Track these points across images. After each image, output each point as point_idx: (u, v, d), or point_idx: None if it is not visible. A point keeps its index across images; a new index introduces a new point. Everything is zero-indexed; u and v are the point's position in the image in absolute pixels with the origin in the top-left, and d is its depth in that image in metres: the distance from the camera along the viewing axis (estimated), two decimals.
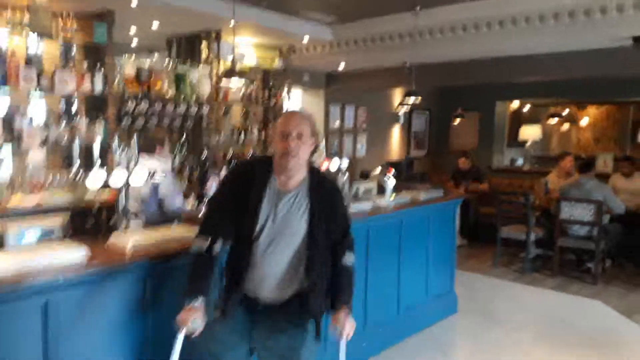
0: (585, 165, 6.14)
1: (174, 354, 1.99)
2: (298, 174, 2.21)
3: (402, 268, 4.18)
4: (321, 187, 2.25)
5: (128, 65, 4.96)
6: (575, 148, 10.14)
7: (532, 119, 10.28)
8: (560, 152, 7.55)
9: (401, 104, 7.68)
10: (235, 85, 4.97)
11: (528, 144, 9.47)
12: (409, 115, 9.52)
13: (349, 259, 2.29)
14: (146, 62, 5.04)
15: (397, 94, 9.25)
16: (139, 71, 4.99)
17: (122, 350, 2.35)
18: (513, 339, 4.28)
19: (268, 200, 2.17)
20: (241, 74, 4.34)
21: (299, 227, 2.18)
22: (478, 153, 9.02)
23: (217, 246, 2.15)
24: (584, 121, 10.63)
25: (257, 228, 2.15)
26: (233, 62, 4.43)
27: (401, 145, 9.65)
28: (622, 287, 5.70)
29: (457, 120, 9.37)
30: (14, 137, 4.20)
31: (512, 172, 8.78)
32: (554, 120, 9.88)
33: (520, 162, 9.48)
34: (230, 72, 4.42)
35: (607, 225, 6.04)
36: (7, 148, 4.28)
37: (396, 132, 9.52)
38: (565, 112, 10.35)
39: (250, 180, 2.19)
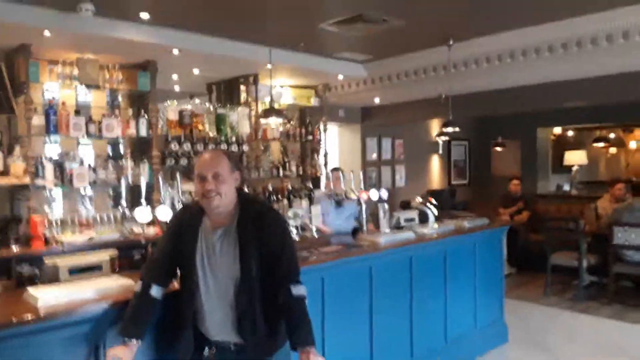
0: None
1: None
2: (226, 212, 2.15)
3: (449, 297, 4.09)
4: (256, 219, 2.14)
5: (171, 110, 5.18)
6: (625, 172, 9.78)
7: (576, 144, 10.03)
8: (611, 178, 7.28)
9: (439, 134, 7.70)
10: (274, 123, 5.09)
11: (574, 169, 9.21)
12: (447, 144, 9.45)
13: (297, 290, 2.09)
14: (188, 106, 5.25)
15: (435, 124, 9.23)
16: (181, 114, 5.20)
17: None
18: None
19: (201, 241, 2.15)
20: (278, 112, 4.46)
21: (230, 265, 2.10)
22: (522, 180, 8.81)
23: (154, 290, 2.16)
24: (633, 144, 10.27)
25: (196, 268, 2.13)
26: (271, 102, 4.56)
27: (441, 174, 9.56)
28: None
29: (498, 149, 9.23)
30: (64, 179, 4.41)
31: (560, 198, 8.50)
32: (599, 145, 9.61)
33: (566, 187, 9.21)
34: (268, 112, 4.54)
35: None
36: (59, 190, 4.51)
37: (435, 162, 9.46)
38: (611, 136, 10.05)
39: (184, 226, 2.20)
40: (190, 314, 2.15)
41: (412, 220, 4.42)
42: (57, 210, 4.53)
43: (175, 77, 5.79)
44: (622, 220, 5.73)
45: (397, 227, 4.23)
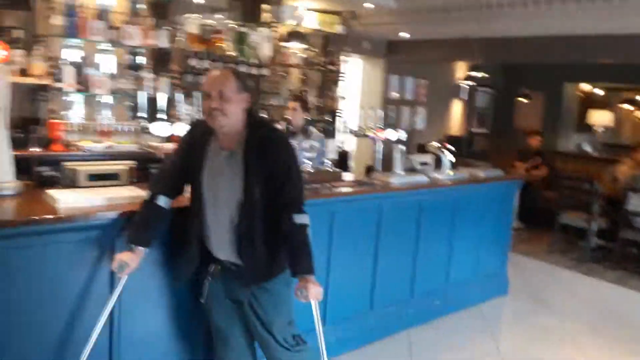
0: None
1: (114, 292, 2.12)
2: (233, 133, 2.12)
3: (454, 243, 4.10)
4: (262, 144, 2.10)
5: (192, 23, 5.00)
6: None
7: (602, 103, 9.71)
8: (636, 142, 7.08)
9: (466, 78, 7.47)
10: (297, 47, 4.91)
11: (600, 130, 8.97)
12: (471, 90, 9.20)
13: (299, 219, 2.09)
14: (209, 21, 5.07)
15: (460, 68, 8.95)
16: (202, 29, 5.03)
17: None
18: (563, 328, 4.13)
19: (208, 160, 2.15)
20: (302, 37, 4.28)
21: (234, 188, 2.10)
22: (542, 136, 8.63)
23: (161, 200, 2.17)
24: None
25: (203, 186, 2.14)
26: (297, 25, 4.36)
27: (462, 121, 9.37)
28: None
29: (523, 100, 8.98)
30: (84, 85, 4.35)
31: (579, 158, 8.35)
32: (627, 107, 9.29)
33: (587, 148, 9.02)
34: (292, 35, 4.37)
35: None
36: (79, 96, 4.46)
37: (457, 107, 9.24)
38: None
39: (195, 142, 2.19)
40: (196, 229, 2.19)
41: (426, 164, 4.35)
42: (76, 115, 4.49)
43: None
44: (638, 186, 5.64)
45: (411, 169, 4.18)
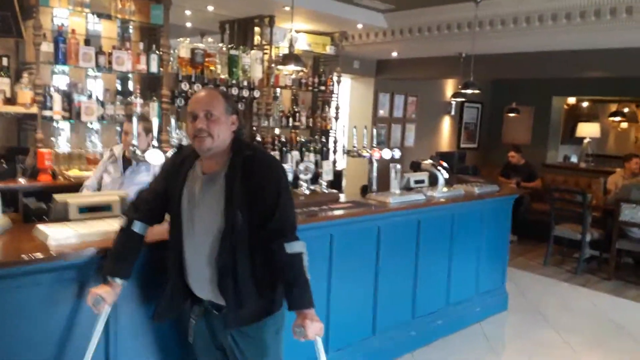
0: None
1: (96, 327, 2.01)
2: (218, 157, 1.98)
3: (453, 261, 4.08)
4: (247, 165, 1.94)
5: (183, 47, 4.98)
6: (634, 148, 9.63)
7: (590, 115, 9.83)
8: (626, 153, 7.15)
9: (456, 95, 7.50)
10: (292, 70, 4.89)
11: (586, 141, 9.07)
12: (460, 106, 9.26)
13: (291, 248, 1.90)
14: (201, 45, 5.05)
15: (449, 84, 9.01)
16: (193, 53, 5.01)
17: None
18: (563, 340, 4.11)
19: (187, 186, 2.01)
20: (297, 59, 4.26)
21: (213, 214, 1.92)
22: (531, 148, 8.70)
23: (137, 226, 2.05)
24: None
25: (181, 214, 2.00)
26: (290, 47, 4.35)
27: (451, 136, 9.40)
28: None
29: (511, 115, 9.06)
30: (72, 112, 4.29)
31: (568, 169, 8.43)
32: (615, 119, 9.43)
33: (574, 159, 9.11)
34: (287, 58, 4.35)
35: None
36: (66, 123, 4.40)
37: (446, 123, 9.28)
38: (625, 110, 9.85)
39: (176, 167, 2.08)
40: (175, 264, 2.03)
41: (422, 182, 4.33)
42: (64, 143, 4.42)
43: (188, 12, 5.55)
44: (630, 197, 5.67)
45: (407, 188, 4.16)
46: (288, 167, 3.32)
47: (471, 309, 4.27)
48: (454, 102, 8.78)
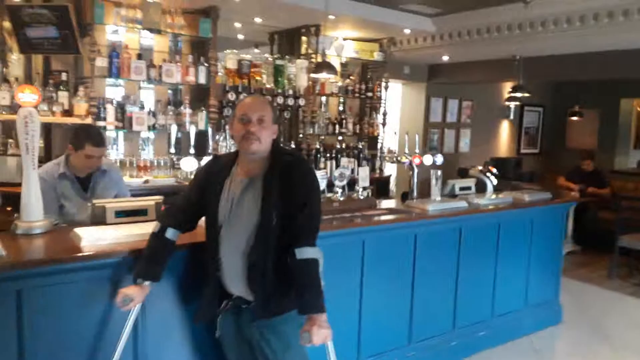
0: None
1: (127, 325, 2.10)
2: (259, 160, 2.10)
3: (499, 271, 3.91)
4: (284, 170, 2.06)
5: (229, 59, 5.14)
6: None
7: None
8: None
9: (508, 99, 7.24)
10: (325, 78, 4.92)
11: None
12: (520, 110, 8.92)
13: (301, 253, 1.97)
14: (247, 56, 5.19)
15: (506, 87, 8.72)
16: (239, 64, 5.15)
17: None
18: (622, 356, 3.83)
19: (227, 190, 2.11)
20: (330, 67, 4.28)
21: (251, 212, 2.04)
22: (598, 154, 8.22)
23: (169, 233, 2.15)
24: None
25: (218, 219, 2.10)
26: (323, 56, 4.40)
27: (510, 142, 9.09)
28: None
29: (574, 118, 8.62)
30: (125, 122, 4.53)
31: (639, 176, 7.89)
32: None
33: None
34: (320, 66, 4.39)
35: None
36: (120, 133, 4.65)
37: (505, 128, 8.98)
38: None
39: (212, 177, 2.18)
40: (212, 264, 2.13)
41: (468, 189, 4.20)
42: (117, 152, 4.68)
43: (237, 25, 5.72)
44: None
45: (452, 195, 4.05)
46: (321, 174, 3.31)
47: (519, 321, 4.08)
48: (512, 106, 8.47)
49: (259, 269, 2.03)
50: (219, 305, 2.17)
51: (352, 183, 3.72)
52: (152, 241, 2.16)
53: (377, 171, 6.00)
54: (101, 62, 4.37)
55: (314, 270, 1.99)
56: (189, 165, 2.85)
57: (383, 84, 6.21)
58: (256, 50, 5.55)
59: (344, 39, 6.02)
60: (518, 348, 3.92)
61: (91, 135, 2.96)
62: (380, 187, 5.47)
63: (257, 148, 2.06)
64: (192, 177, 2.50)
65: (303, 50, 5.72)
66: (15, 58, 4.35)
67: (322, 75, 4.49)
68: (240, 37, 6.34)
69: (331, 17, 4.90)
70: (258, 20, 5.45)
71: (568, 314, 4.48)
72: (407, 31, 5.98)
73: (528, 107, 8.97)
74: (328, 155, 5.61)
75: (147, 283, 2.10)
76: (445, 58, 7.04)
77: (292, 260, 1.98)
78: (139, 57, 4.61)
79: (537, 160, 9.29)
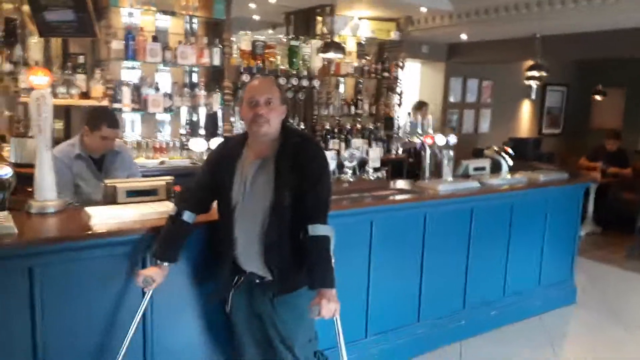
0: None
1: (142, 305, 2.19)
2: (270, 141, 2.14)
3: (512, 251, 3.90)
4: (295, 151, 2.11)
5: (244, 40, 5.16)
6: None
7: None
8: None
9: (528, 78, 7.09)
10: (333, 57, 4.89)
11: None
12: (542, 90, 8.75)
13: (314, 230, 2.05)
14: (261, 37, 5.20)
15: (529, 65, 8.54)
16: (254, 45, 5.17)
17: None
18: (636, 342, 3.80)
19: (239, 172, 2.15)
20: (338, 46, 4.26)
21: (265, 193, 2.09)
22: (623, 134, 8.02)
23: (186, 215, 2.21)
24: None
25: (232, 199, 2.14)
26: (331, 35, 4.38)
27: (532, 122, 8.94)
28: None
29: (598, 98, 8.41)
30: (141, 104, 4.61)
31: None
32: None
33: None
34: (327, 46, 4.38)
35: None
36: (137, 115, 4.73)
37: (526, 108, 8.83)
38: None
39: (223, 158, 2.22)
40: (227, 242, 2.19)
41: (482, 169, 4.17)
42: (133, 133, 4.77)
43: (252, 5, 5.72)
44: None
45: (466, 175, 4.03)
46: (331, 154, 3.34)
47: (531, 301, 4.07)
48: (534, 86, 8.29)
49: (275, 247, 2.10)
50: (231, 282, 2.24)
51: (364, 164, 3.74)
52: (170, 224, 2.23)
53: (394, 152, 5.98)
54: (117, 44, 4.44)
55: (325, 247, 2.07)
56: (198, 146, 2.90)
57: (400, 64, 6.15)
58: (271, 32, 5.55)
59: (360, 19, 5.98)
60: (529, 327, 3.92)
61: (106, 117, 3.04)
62: (396, 167, 5.46)
63: (267, 130, 2.09)
64: (204, 160, 2.54)
65: (318, 31, 5.70)
66: (35, 41, 4.44)
67: (330, 55, 4.49)
68: (256, 17, 6.34)
69: None
70: (272, 0, 5.44)
71: (583, 295, 4.45)
72: (423, 9, 5.89)
73: (551, 86, 8.78)
74: (340, 136, 5.60)
75: (165, 264, 2.18)
76: (464, 37, 6.93)
77: (304, 237, 2.05)
78: (154, 39, 4.66)
79: (559, 140, 9.13)
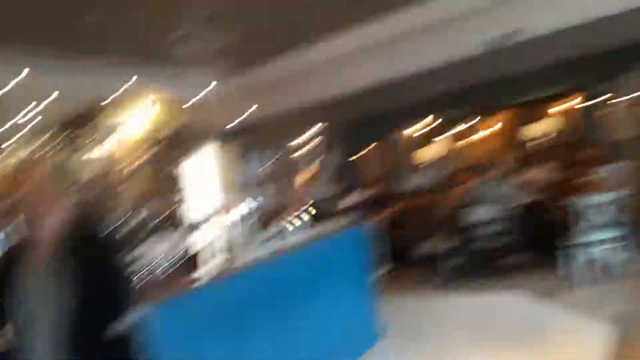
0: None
1: None
2: (44, 233, 1.94)
3: (309, 313, 3.94)
4: (80, 243, 1.93)
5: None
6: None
7: (428, 139, 10.47)
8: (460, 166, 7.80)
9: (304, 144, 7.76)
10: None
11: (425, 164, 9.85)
12: (326, 152, 9.65)
13: (116, 328, 1.88)
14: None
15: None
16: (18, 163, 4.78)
17: None
18: (443, 349, 4.26)
19: (21, 281, 1.94)
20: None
21: (49, 303, 1.86)
22: (389, 179, 9.24)
23: None
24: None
25: (19, 314, 1.91)
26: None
27: (319, 182, 9.71)
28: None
29: (362, 154, 9.67)
30: None
31: (417, 193, 8.78)
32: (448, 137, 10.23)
33: (420, 182, 9.59)
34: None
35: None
36: None
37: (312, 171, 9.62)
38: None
39: (8, 265, 2.01)
40: None
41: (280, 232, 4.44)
42: None
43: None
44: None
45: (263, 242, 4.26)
46: None
47: (343, 351, 4.09)
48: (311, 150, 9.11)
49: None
50: None
51: None
52: None
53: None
54: None
55: (125, 348, 1.93)
56: None
57: (179, 156, 6.26)
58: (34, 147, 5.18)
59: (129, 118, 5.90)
60: None
61: None
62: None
63: (29, 223, 1.98)
64: None
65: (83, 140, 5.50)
66: None
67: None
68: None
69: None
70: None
71: (391, 326, 4.65)
72: (194, 100, 6.15)
73: (330, 149, 9.74)
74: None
75: None
76: (241, 117, 7.31)
77: (106, 335, 1.89)
78: None
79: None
